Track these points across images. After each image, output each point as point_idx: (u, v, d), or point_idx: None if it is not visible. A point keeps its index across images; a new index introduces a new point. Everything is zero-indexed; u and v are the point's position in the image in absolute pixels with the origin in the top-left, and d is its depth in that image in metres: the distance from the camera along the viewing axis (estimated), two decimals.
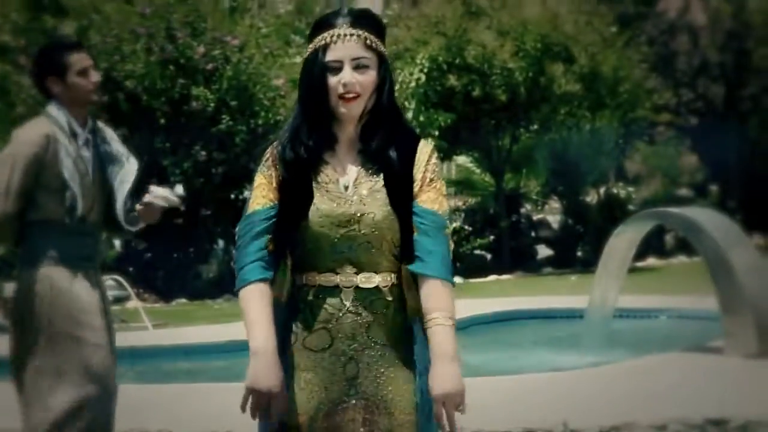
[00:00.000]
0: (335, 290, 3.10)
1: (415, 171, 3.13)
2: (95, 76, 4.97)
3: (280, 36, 19.18)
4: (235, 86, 17.06)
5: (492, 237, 21.63)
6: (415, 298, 3.12)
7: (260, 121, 17.10)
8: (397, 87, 19.68)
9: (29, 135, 4.82)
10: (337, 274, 3.10)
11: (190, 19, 17.28)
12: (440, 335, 3.05)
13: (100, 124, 5.08)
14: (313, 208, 3.09)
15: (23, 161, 4.75)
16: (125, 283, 14.50)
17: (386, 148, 3.12)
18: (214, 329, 12.16)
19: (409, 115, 19.32)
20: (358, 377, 3.10)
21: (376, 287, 3.11)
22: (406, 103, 19.47)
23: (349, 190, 3.11)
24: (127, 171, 5.20)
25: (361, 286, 3.10)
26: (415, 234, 3.10)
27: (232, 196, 18.04)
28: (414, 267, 3.09)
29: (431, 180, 3.13)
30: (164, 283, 17.59)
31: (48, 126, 4.82)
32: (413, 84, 19.94)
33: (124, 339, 11.80)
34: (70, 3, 17.98)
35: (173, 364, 10.73)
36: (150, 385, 8.95)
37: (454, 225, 20.60)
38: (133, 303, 14.33)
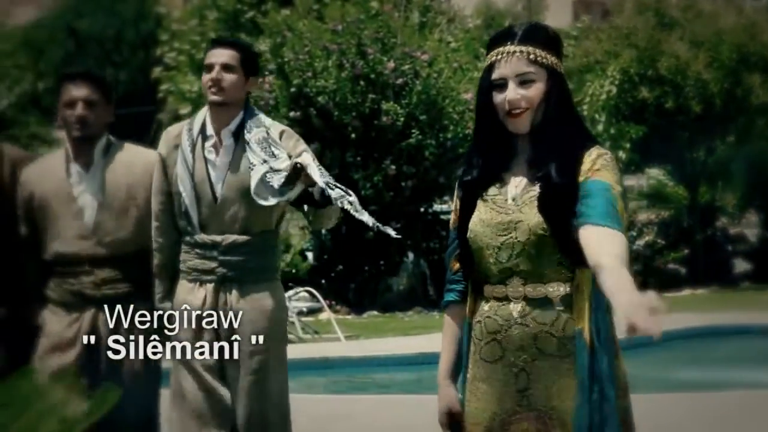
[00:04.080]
0: (505, 301, 3.13)
1: (579, 176, 3.08)
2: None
3: (468, 50, 19.21)
4: (425, 101, 17.16)
5: (686, 251, 21.17)
6: (587, 309, 3.08)
7: (449, 135, 17.15)
8: (587, 99, 19.48)
9: (165, 133, 4.81)
10: (506, 285, 3.13)
11: (381, 35, 17.47)
12: (615, 275, 2.77)
13: (256, 128, 4.65)
14: (474, 218, 3.16)
15: (158, 158, 4.73)
16: (318, 295, 14.75)
17: (549, 158, 3.12)
18: (404, 341, 12.25)
19: (600, 127, 19.07)
20: (530, 388, 3.10)
21: (546, 297, 3.10)
22: (597, 116, 19.24)
23: (515, 200, 3.14)
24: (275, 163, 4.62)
25: (529, 296, 3.11)
26: (578, 205, 3.02)
27: (422, 209, 18.14)
28: (575, 222, 3.00)
29: (598, 169, 3.07)
30: (356, 295, 17.80)
31: (182, 125, 4.76)
32: (604, 96, 19.69)
33: (317, 350, 12.06)
34: (264, 21, 18.40)
35: (364, 375, 10.84)
36: (342, 396, 9.06)
37: (647, 239, 20.27)
38: (326, 315, 14.55)
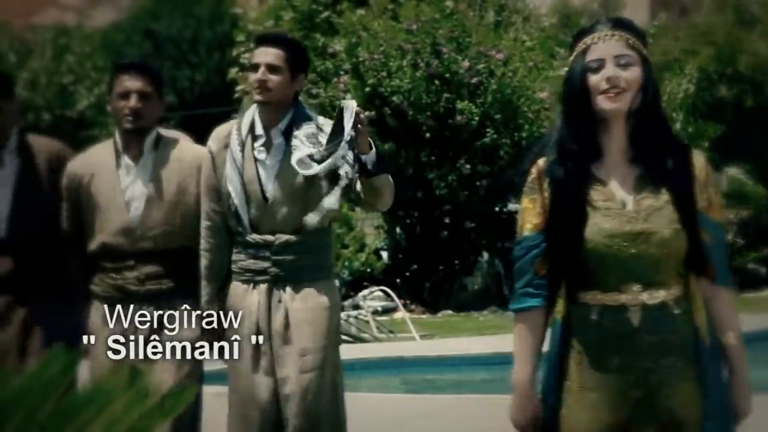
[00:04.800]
0: (621, 309, 3.03)
1: (696, 187, 3.06)
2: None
3: (544, 49, 19.12)
4: (500, 100, 17.11)
5: (766, 250, 20.89)
6: (701, 309, 3.06)
7: (524, 134, 17.09)
8: (664, 98, 19.28)
9: (214, 132, 4.73)
10: (622, 292, 3.03)
11: (456, 34, 17.45)
12: (739, 356, 3.15)
13: (306, 125, 4.57)
14: (594, 227, 3.03)
15: (208, 157, 4.67)
16: (393, 295, 14.78)
17: (664, 162, 3.04)
18: (479, 341, 12.22)
19: (677, 126, 18.88)
20: (650, 398, 3.02)
21: (663, 302, 3.03)
22: (674, 114, 19.05)
23: (628, 206, 3.04)
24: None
25: (647, 303, 3.02)
26: (707, 247, 3.05)
27: (497, 208, 18.09)
28: (710, 279, 3.08)
29: (713, 193, 3.09)
30: (430, 294, 17.81)
31: (231, 125, 4.69)
32: (681, 95, 19.50)
33: (392, 349, 12.08)
34: (339, 21, 18.48)
35: (439, 375, 10.84)
36: (416, 395, 9.06)
37: (726, 238, 20.04)
38: (401, 314, 14.56)
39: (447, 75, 17.15)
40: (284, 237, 4.53)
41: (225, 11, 27.22)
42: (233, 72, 20.65)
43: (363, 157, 4.44)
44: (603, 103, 3.02)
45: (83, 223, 4.70)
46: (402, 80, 17.07)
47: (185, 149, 4.75)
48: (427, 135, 17.16)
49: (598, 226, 3.02)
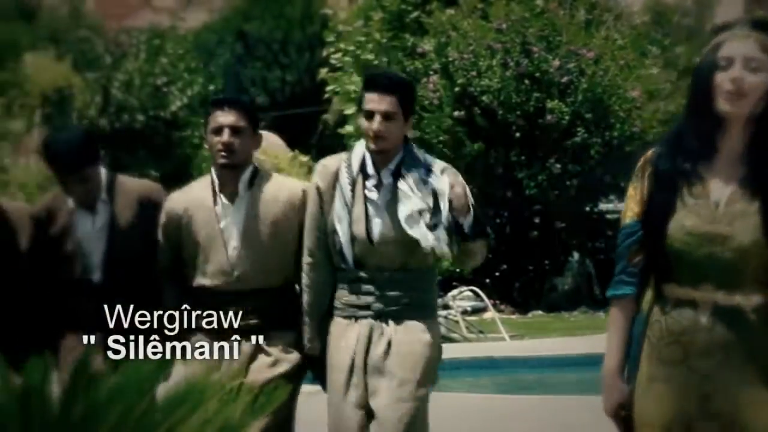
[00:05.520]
0: (692, 305, 3.03)
1: None
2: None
3: (635, 47, 18.92)
4: (590, 99, 16.99)
5: None
6: None
7: (615, 134, 16.95)
8: None
9: (321, 166, 4.67)
10: (695, 290, 3.02)
11: (546, 33, 17.37)
12: None
13: (415, 168, 4.51)
14: (676, 223, 3.02)
15: (312, 192, 4.62)
16: (482, 295, 14.76)
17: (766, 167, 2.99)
18: (570, 342, 12.16)
19: None
20: (713, 396, 3.00)
21: (737, 306, 2.99)
22: None
23: (720, 207, 3.01)
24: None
25: (720, 303, 3.00)
26: None
27: (587, 208, 17.96)
28: None
29: None
30: (520, 294, 17.74)
31: (339, 161, 4.60)
32: None
33: (482, 349, 12.06)
34: (429, 21, 18.48)
35: (529, 375, 10.80)
36: (506, 396, 9.05)
37: None
38: (490, 314, 14.54)
39: (537, 74, 17.08)
40: (388, 273, 4.49)
41: (315, 12, 27.34)
42: (323, 72, 20.76)
43: (461, 219, 4.42)
44: (724, 103, 2.99)
45: (183, 260, 4.73)
46: (492, 79, 17.04)
47: (281, 186, 4.72)
48: (517, 134, 17.11)
49: (680, 222, 3.01)
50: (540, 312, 17.05)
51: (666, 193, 3.04)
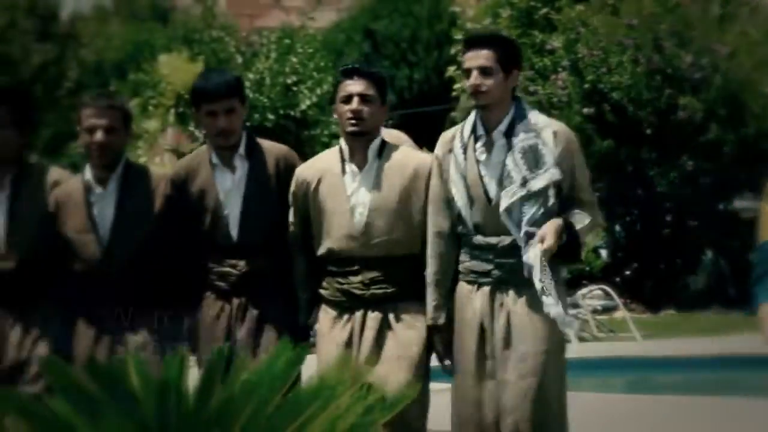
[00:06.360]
0: None
1: None
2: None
3: None
4: (724, 95, 16.70)
5: None
6: None
7: (750, 131, 16.63)
8: None
9: (441, 137, 4.73)
10: None
11: (678, 29, 17.13)
12: None
13: (524, 133, 4.51)
14: None
15: (434, 162, 4.67)
16: (613, 293, 14.60)
17: None
18: (702, 342, 11.96)
19: None
20: None
21: None
22: None
23: None
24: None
25: None
26: None
27: (720, 206, 17.65)
28: None
29: None
30: (652, 293, 17.51)
31: (455, 129, 4.68)
32: None
33: (613, 349, 11.93)
34: (558, 17, 18.34)
35: (662, 375, 10.65)
36: (638, 396, 8.94)
37: None
38: (621, 313, 14.39)
39: (669, 70, 16.86)
40: (507, 240, 4.51)
41: (443, 9, 27.35)
42: (451, 70, 20.74)
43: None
44: None
45: (310, 227, 4.81)
46: (622, 76, 16.87)
47: (409, 156, 4.77)
48: (648, 131, 16.91)
49: None
50: (672, 311, 16.82)
51: None
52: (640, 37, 17.10)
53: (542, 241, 4.36)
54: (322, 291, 4.77)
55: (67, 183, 4.91)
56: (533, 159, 4.46)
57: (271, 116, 19.79)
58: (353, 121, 4.64)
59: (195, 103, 4.91)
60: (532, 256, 4.36)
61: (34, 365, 4.72)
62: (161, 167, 16.81)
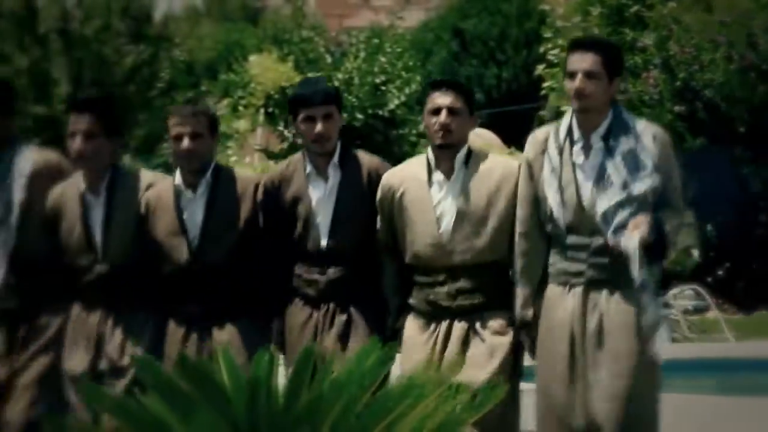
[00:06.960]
0: None
1: None
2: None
3: None
4: None
5: None
6: None
7: None
8: None
9: (531, 137, 4.75)
10: None
11: None
12: None
13: (624, 136, 4.52)
14: None
15: (522, 164, 4.72)
16: (704, 293, 14.42)
17: None
18: None
19: None
20: None
21: None
22: None
23: None
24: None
25: None
26: None
27: None
28: None
29: None
30: (744, 293, 17.27)
31: (548, 130, 4.70)
32: None
33: (705, 350, 11.78)
34: (649, 15, 18.16)
35: (756, 377, 10.49)
36: (731, 398, 8.83)
37: None
38: (713, 313, 14.21)
39: (763, 67, 16.62)
40: (600, 240, 4.51)
41: (533, 8, 27.19)
42: (540, 69, 20.63)
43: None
44: None
45: (396, 235, 4.83)
46: (715, 73, 16.66)
47: (495, 163, 4.83)
48: (741, 129, 16.70)
49: None
50: (765, 312, 16.57)
51: None
52: (733, 34, 16.87)
53: (636, 228, 4.35)
54: (411, 300, 4.80)
55: (158, 186, 5.00)
56: (634, 163, 4.47)
57: (359, 116, 19.85)
58: (441, 134, 4.70)
59: (293, 110, 4.97)
60: (631, 246, 4.32)
61: (130, 366, 4.81)
62: (251, 168, 16.97)
